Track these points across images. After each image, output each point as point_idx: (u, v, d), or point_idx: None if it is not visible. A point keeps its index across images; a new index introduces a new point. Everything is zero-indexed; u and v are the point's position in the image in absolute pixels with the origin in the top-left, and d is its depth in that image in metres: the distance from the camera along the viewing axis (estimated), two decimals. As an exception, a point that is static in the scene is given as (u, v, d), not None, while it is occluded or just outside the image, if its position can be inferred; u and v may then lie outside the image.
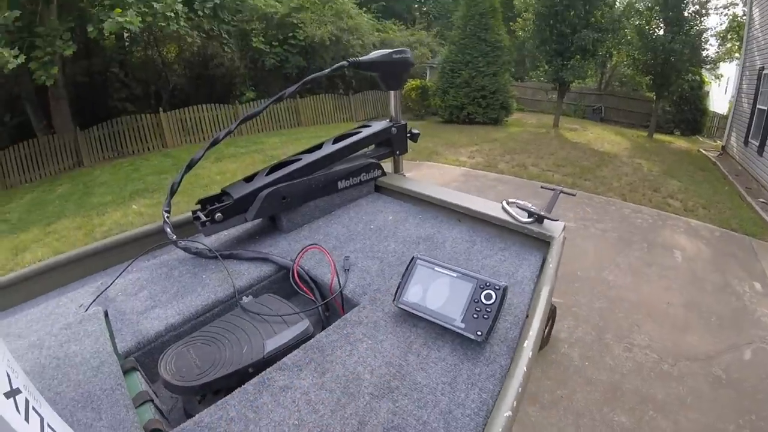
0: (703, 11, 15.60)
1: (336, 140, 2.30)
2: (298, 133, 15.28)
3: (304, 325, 1.38)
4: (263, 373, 1.18)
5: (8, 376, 0.75)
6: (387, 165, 2.61)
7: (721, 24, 21.34)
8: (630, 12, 16.69)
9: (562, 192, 2.24)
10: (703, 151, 15.43)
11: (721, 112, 20.28)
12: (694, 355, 4.46)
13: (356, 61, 2.16)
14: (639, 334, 4.70)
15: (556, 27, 15.76)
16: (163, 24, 12.06)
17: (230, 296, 1.60)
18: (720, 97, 22.56)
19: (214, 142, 1.92)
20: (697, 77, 18.35)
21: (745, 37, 14.44)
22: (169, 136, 14.42)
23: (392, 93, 2.47)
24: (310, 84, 2.08)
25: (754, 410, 3.78)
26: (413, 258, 1.41)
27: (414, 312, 1.33)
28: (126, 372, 1.19)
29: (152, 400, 1.14)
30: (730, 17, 20.84)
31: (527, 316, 1.41)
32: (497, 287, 1.26)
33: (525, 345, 1.19)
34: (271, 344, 1.29)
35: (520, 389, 1.06)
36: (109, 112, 14.25)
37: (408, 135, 2.59)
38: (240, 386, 1.14)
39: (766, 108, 11.62)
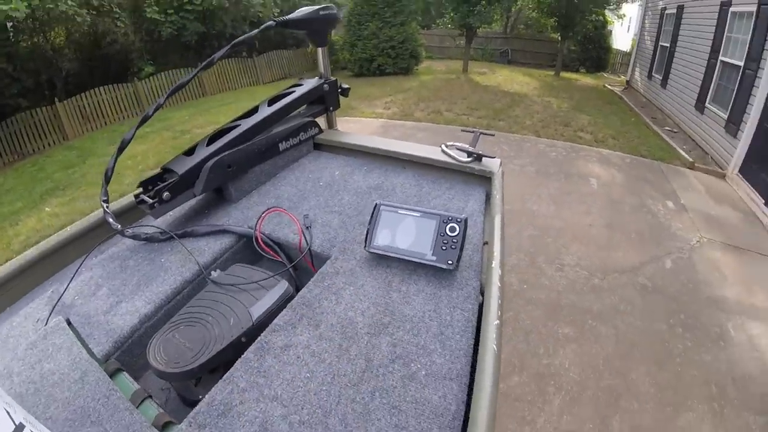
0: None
1: (270, 102, 2.21)
2: (206, 103, 14.49)
3: (283, 286, 1.38)
4: (259, 338, 1.18)
5: (8, 413, 0.72)
6: (321, 122, 2.59)
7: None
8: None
9: (481, 134, 2.29)
10: (609, 86, 16.03)
11: (624, 50, 21.09)
12: (620, 268, 4.69)
13: (283, 20, 2.08)
14: (568, 255, 4.88)
15: (460, -26, 15.70)
16: (50, 6, 10.95)
17: (197, 274, 1.53)
18: (623, 35, 23.33)
19: (145, 119, 1.79)
20: (601, 17, 18.93)
21: (647, -21, 15.01)
22: (68, 127, 13.02)
23: (320, 50, 2.39)
24: (239, 47, 1.97)
25: (682, 311, 4.05)
26: (376, 205, 1.47)
27: (386, 254, 1.41)
28: (112, 375, 1.12)
29: (150, 396, 1.07)
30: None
31: (485, 243, 1.57)
32: (459, 220, 1.35)
33: (494, 265, 1.32)
34: (257, 310, 1.28)
35: (500, 301, 1.18)
36: (1, 111, 12.73)
37: (339, 90, 2.56)
38: (236, 358, 1.13)
39: (668, 45, 12.21)
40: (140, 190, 1.76)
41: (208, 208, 1.95)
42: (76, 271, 1.51)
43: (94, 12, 13.84)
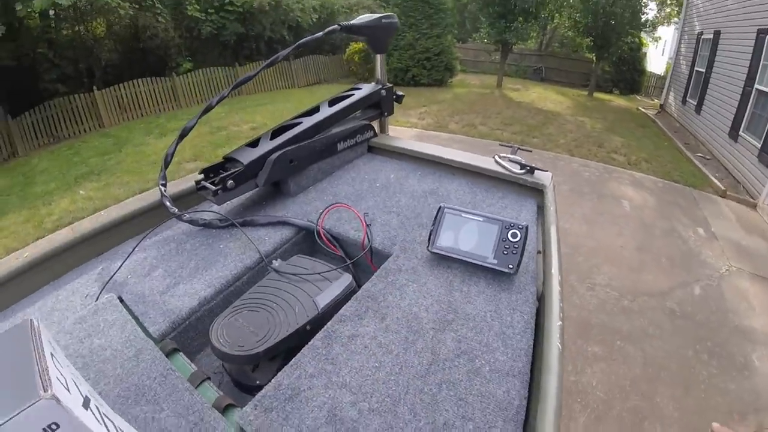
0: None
1: (331, 103, 2.28)
2: (242, 102, 14.56)
3: (347, 278, 1.41)
4: (326, 326, 1.21)
5: (77, 385, 0.68)
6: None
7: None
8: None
9: (519, 149, 2.36)
10: (642, 109, 15.96)
11: (658, 73, 21.05)
12: (650, 291, 4.77)
13: (348, 25, 2.16)
14: (599, 275, 4.95)
15: (500, -11, 15.78)
16: (97, -3, 11.21)
17: (257, 262, 1.56)
18: (657, 58, 23.24)
19: (208, 109, 1.84)
20: (636, 39, 18.85)
21: (685, 4, 15.08)
22: (105, 115, 13.25)
23: (379, 56, 2.46)
24: (303, 46, 2.04)
25: (709, 337, 4.12)
26: (440, 207, 1.51)
27: (448, 255, 1.46)
28: (168, 355, 1.12)
29: (209, 378, 1.09)
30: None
31: (538, 252, 1.63)
32: (521, 227, 1.41)
33: (553, 271, 1.40)
34: (323, 300, 1.31)
35: (561, 304, 1.26)
36: (40, 95, 12.82)
37: (394, 97, 2.61)
38: (299, 346, 1.15)
39: (703, 70, 12.21)
40: (201, 177, 1.80)
41: (266, 200, 1.99)
42: (132, 251, 1.52)
43: (137, 6, 13.93)
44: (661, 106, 16.00)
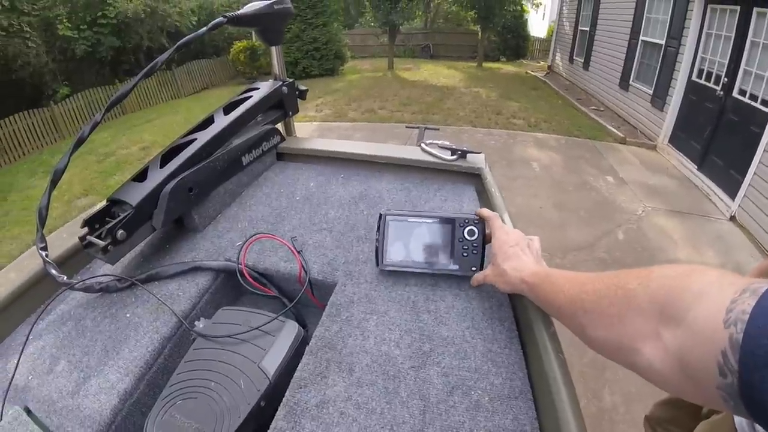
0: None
1: (226, 110, 1.93)
2: (127, 122, 13.58)
3: (293, 327, 1.14)
4: (284, 399, 0.97)
5: None
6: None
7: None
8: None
9: (426, 128, 2.26)
10: (531, 72, 16.52)
11: (541, 36, 21.93)
12: (577, 245, 4.82)
13: (235, 16, 1.79)
14: None
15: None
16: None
17: (176, 327, 1.24)
18: (538, 23, 24.08)
19: (80, 141, 1.41)
20: (519, 7, 19.58)
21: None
22: None
23: (274, 49, 2.13)
24: (185, 47, 1.65)
25: None
26: (381, 216, 1.29)
27: (403, 269, 1.27)
28: None
29: None
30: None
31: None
32: (476, 221, 1.22)
33: None
34: (270, 364, 1.04)
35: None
36: None
37: (297, 93, 2.28)
38: (260, 429, 0.94)
39: (587, 29, 12.78)
40: (85, 230, 1.43)
41: (170, 243, 1.66)
42: (25, 342, 1.18)
43: (3, 33, 12.72)
44: (549, 67, 16.60)
